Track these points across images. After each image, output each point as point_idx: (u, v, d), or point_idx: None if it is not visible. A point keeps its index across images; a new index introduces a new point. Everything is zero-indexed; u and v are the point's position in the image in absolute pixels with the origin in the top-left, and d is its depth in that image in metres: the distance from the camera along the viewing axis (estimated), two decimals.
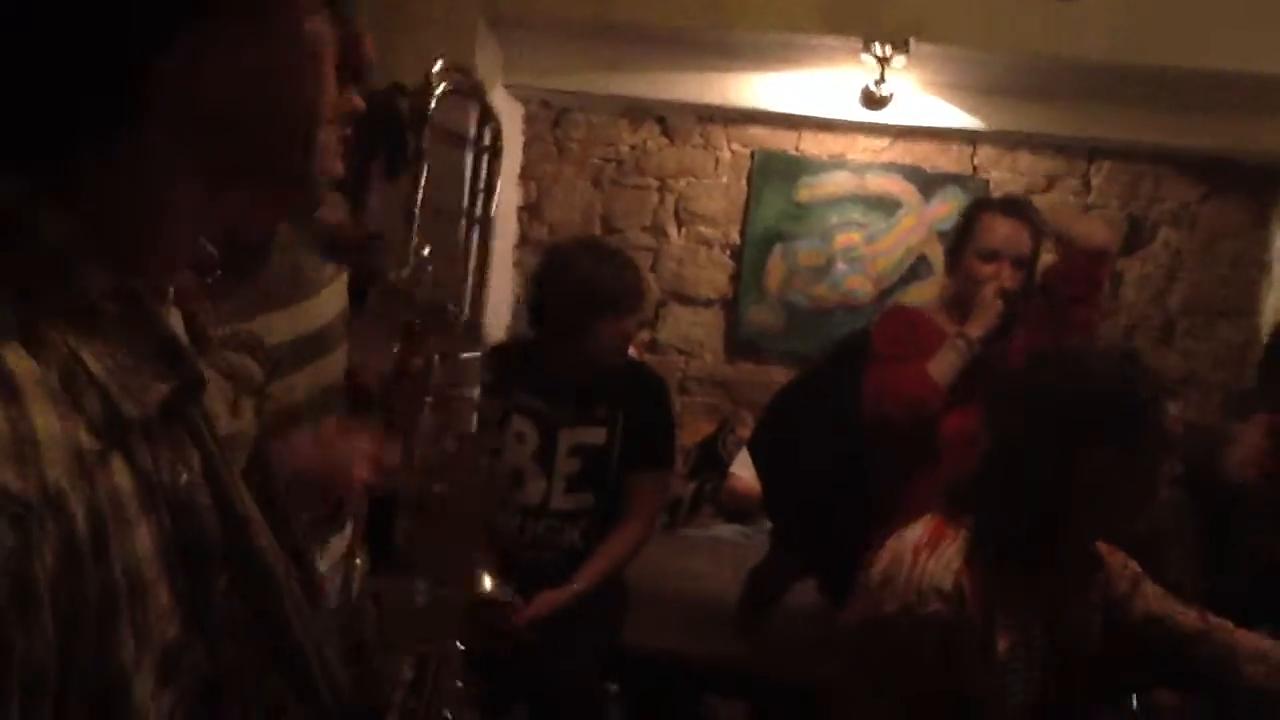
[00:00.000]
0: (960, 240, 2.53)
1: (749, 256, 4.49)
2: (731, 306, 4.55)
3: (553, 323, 2.52)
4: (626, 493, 2.61)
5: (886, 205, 4.40)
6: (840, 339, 2.93)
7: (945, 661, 1.46)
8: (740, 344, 4.57)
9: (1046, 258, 2.59)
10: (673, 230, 4.57)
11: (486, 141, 1.35)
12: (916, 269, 4.41)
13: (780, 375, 4.49)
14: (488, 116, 1.34)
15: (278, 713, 0.69)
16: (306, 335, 1.37)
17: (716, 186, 4.53)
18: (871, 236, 4.41)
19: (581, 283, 2.43)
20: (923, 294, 4.27)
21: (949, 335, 2.40)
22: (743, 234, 4.50)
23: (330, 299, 1.43)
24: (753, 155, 4.46)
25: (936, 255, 4.38)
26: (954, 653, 1.46)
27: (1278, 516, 2.46)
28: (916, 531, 1.56)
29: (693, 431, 4.43)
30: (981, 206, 2.61)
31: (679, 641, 2.72)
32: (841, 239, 4.43)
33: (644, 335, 4.49)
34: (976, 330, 2.37)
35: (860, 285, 4.45)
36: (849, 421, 2.48)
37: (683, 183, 4.54)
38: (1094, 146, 4.25)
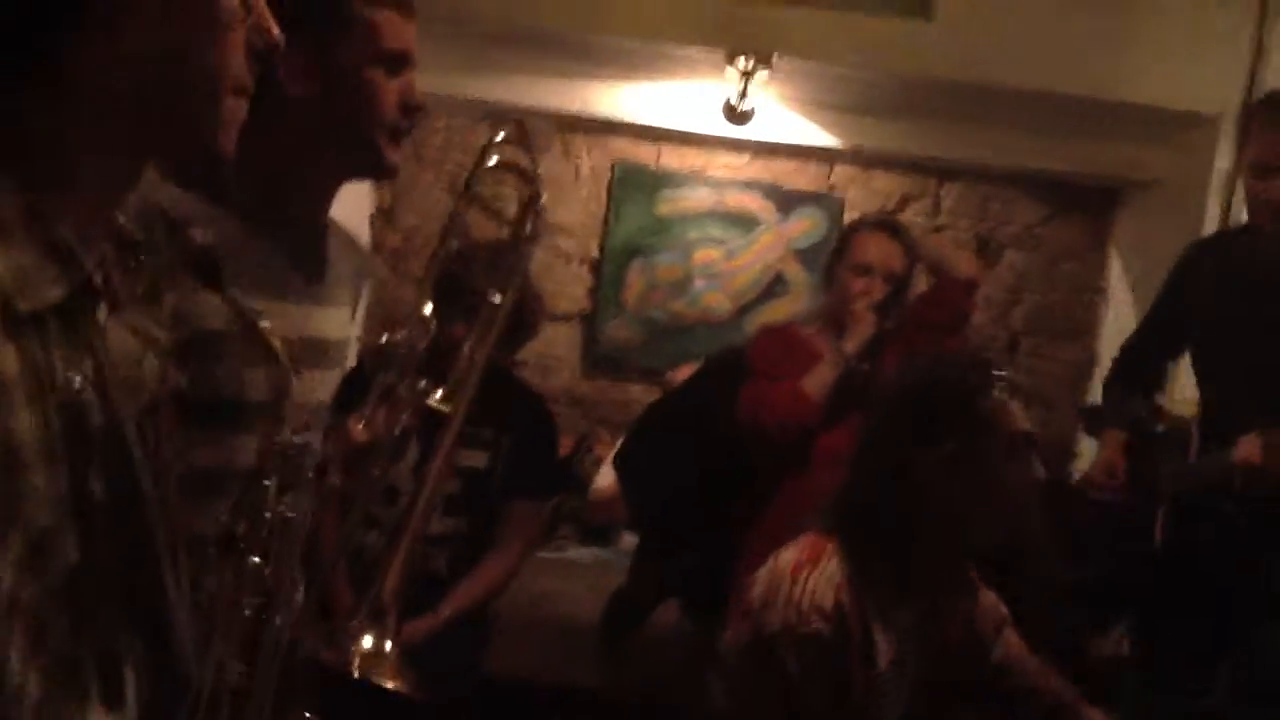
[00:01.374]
0: (835, 256, 2.56)
1: (608, 270, 4.42)
2: (590, 321, 4.47)
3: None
4: (503, 521, 2.48)
5: (745, 222, 4.40)
6: (712, 355, 2.91)
7: (828, 679, 1.42)
8: (598, 360, 4.49)
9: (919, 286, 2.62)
10: None
11: None
12: (773, 286, 4.41)
13: (639, 392, 4.45)
14: None
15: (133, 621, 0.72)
16: (316, 339, 1.27)
17: (576, 198, 4.45)
18: (730, 253, 4.40)
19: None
20: (779, 311, 4.29)
21: (824, 352, 2.40)
22: (602, 247, 4.43)
23: (346, 320, 1.36)
24: (613, 167, 4.40)
25: (793, 273, 4.41)
26: (837, 670, 1.43)
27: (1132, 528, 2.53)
28: (795, 551, 1.53)
29: None
30: (857, 225, 2.67)
31: (537, 668, 2.62)
32: (700, 255, 4.40)
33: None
34: (851, 345, 2.39)
35: (718, 302, 4.43)
36: (719, 438, 2.44)
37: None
38: (945, 168, 4.34)
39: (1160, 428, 2.59)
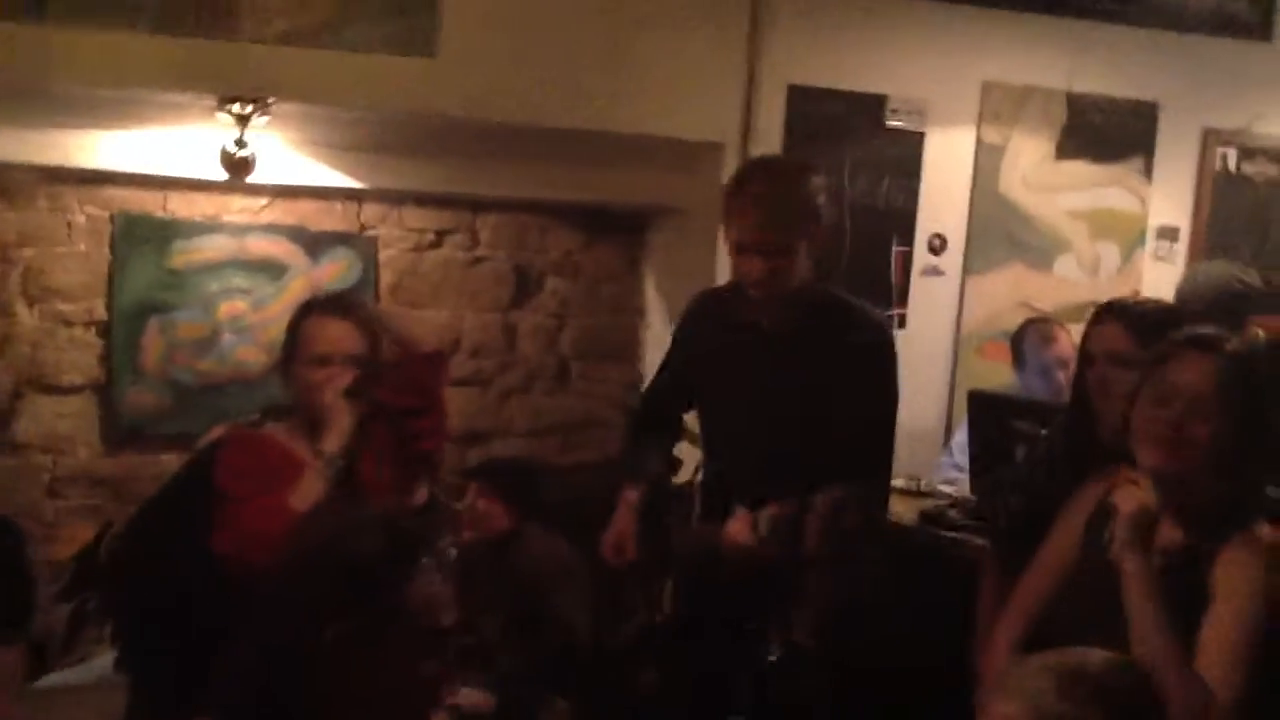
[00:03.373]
0: (288, 350, 2.34)
1: (120, 333, 3.95)
2: (105, 391, 3.98)
3: None
4: None
5: (272, 269, 4.09)
6: (194, 455, 2.58)
7: None
8: (120, 433, 4.01)
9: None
10: (22, 309, 3.89)
11: None
12: None
13: (174, 462, 4.03)
14: None
15: None
16: None
17: (72, 255, 3.93)
18: (258, 303, 4.08)
19: None
20: None
21: (303, 458, 2.17)
22: (110, 308, 3.95)
23: None
24: (113, 218, 3.93)
25: None
26: None
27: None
28: None
29: (68, 541, 3.81)
30: (306, 311, 2.42)
31: None
32: (226, 308, 4.04)
33: None
34: (334, 443, 2.18)
35: (252, 356, 4.09)
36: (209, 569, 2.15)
37: (29, 252, 3.89)
38: (479, 201, 4.26)
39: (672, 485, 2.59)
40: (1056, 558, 1.99)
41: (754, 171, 2.42)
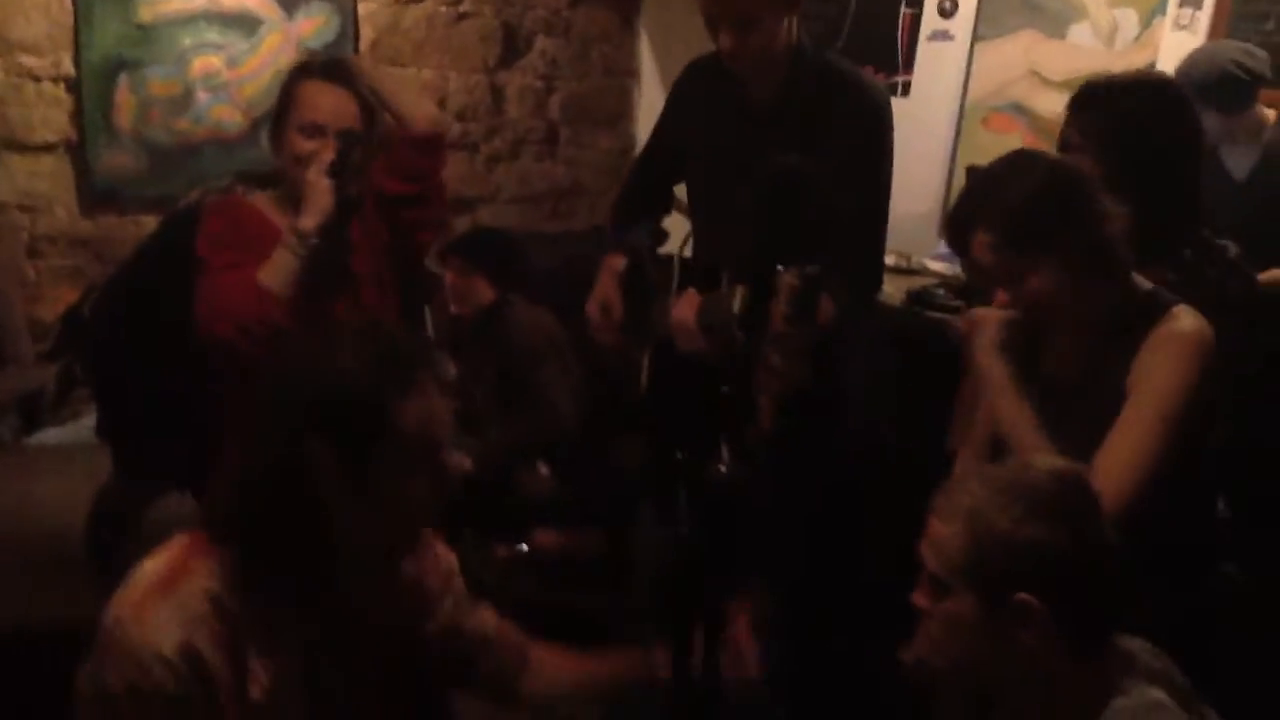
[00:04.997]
0: (280, 114, 2.14)
1: (90, 90, 3.79)
2: (79, 150, 3.86)
3: None
4: None
5: (246, 23, 3.89)
6: (168, 218, 2.49)
7: None
8: (97, 193, 3.91)
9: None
10: None
11: None
12: None
13: (152, 224, 3.95)
14: None
15: None
16: None
17: (33, 4, 3.72)
18: (233, 59, 3.90)
19: None
20: None
21: (280, 230, 2.06)
22: (77, 63, 3.77)
23: None
24: None
25: None
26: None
27: None
28: (159, 562, 1.27)
29: (52, 302, 3.80)
30: (301, 74, 2.19)
31: (14, 605, 2.30)
32: (199, 64, 3.87)
33: None
34: (310, 221, 2.01)
35: (229, 115, 3.95)
36: (179, 321, 2.10)
37: None
38: None
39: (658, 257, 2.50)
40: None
41: None
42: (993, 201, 1.68)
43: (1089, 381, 1.73)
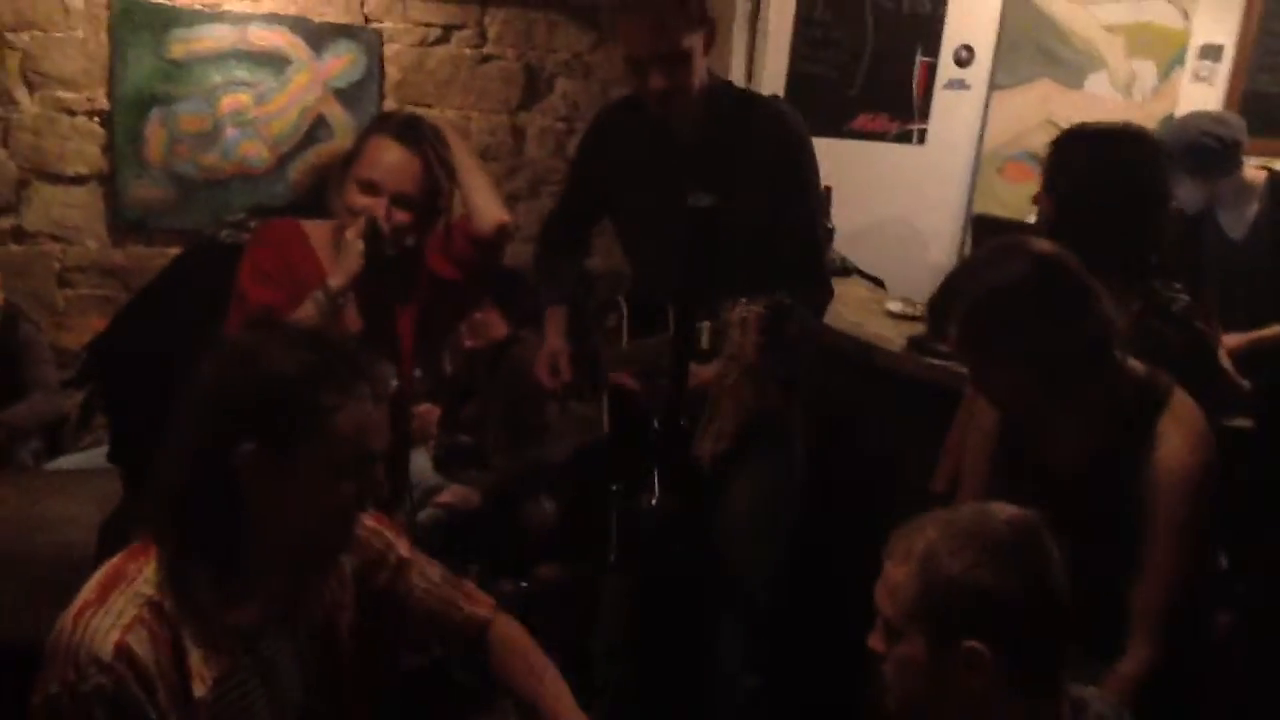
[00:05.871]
0: (346, 162, 2.11)
1: (122, 124, 3.91)
2: (110, 182, 3.98)
3: None
4: None
5: (275, 62, 3.99)
6: (187, 250, 2.56)
7: None
8: (126, 224, 4.03)
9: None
10: (22, 95, 3.85)
11: None
12: (315, 132, 4.08)
13: None
14: None
15: None
16: None
17: (71, 41, 3.85)
18: (261, 97, 4.01)
19: None
20: (326, 156, 4.00)
21: (327, 274, 2.04)
22: (111, 97, 3.90)
23: None
24: (109, 3, 3.83)
25: (335, 115, 4.10)
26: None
27: None
28: (101, 570, 1.31)
29: (80, 331, 3.90)
30: (376, 127, 2.15)
31: (26, 623, 2.35)
32: (228, 101, 3.98)
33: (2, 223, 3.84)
34: (337, 281, 2.00)
35: (256, 151, 4.05)
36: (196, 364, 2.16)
37: (26, 37, 3.81)
38: None
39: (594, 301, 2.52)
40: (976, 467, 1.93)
41: None
42: (961, 298, 1.66)
43: (1092, 474, 1.71)
